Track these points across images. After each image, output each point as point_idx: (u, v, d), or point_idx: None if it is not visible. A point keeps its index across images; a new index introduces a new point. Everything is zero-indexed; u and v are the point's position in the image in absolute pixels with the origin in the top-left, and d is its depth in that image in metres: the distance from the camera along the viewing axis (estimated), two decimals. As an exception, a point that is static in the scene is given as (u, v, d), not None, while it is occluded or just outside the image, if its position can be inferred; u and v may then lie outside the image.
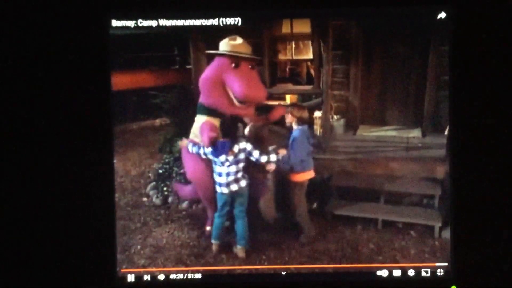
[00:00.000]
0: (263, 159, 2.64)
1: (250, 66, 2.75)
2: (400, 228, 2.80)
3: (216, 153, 2.67)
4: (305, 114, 2.80)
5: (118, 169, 3.17)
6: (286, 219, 2.83)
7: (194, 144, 2.78)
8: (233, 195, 2.71)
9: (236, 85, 2.67)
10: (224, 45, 2.73)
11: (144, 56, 3.32)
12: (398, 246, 2.67)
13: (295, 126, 2.77)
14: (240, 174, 2.68)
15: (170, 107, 3.27)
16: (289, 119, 2.78)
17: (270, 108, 3.12)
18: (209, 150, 2.69)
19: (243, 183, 2.69)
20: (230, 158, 2.65)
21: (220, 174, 2.69)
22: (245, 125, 2.79)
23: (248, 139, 2.70)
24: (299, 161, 2.76)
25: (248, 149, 2.64)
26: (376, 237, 2.73)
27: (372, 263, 2.54)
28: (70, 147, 2.29)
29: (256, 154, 2.64)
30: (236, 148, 2.65)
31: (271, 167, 2.69)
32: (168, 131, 3.26)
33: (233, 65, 2.70)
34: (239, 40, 2.71)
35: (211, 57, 2.81)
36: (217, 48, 2.77)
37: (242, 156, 2.65)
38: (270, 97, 3.44)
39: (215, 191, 2.77)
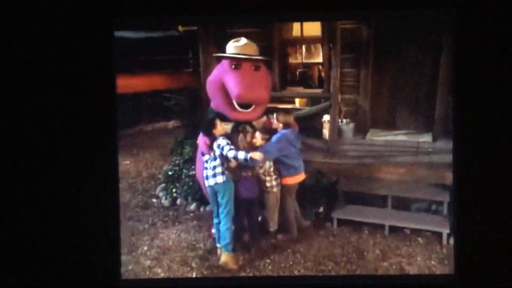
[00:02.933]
0: (230, 153, 2.59)
1: (253, 67, 2.69)
2: (407, 234, 2.76)
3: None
4: (290, 119, 2.81)
5: (130, 170, 3.26)
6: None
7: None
8: (214, 190, 2.71)
9: (231, 86, 2.62)
10: (228, 47, 2.72)
11: (158, 59, 3.38)
12: (405, 252, 2.63)
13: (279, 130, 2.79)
14: (218, 170, 2.67)
15: (182, 110, 3.32)
16: (275, 124, 2.80)
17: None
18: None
19: (220, 179, 2.67)
20: (211, 154, 2.68)
21: (205, 168, 2.72)
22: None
23: (227, 136, 2.68)
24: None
25: (222, 145, 2.63)
26: (382, 243, 2.70)
27: (377, 269, 2.52)
28: (76, 148, 2.34)
29: (226, 148, 2.61)
30: (215, 145, 2.67)
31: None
32: (179, 134, 3.32)
33: (233, 66, 2.66)
34: (242, 41, 2.70)
35: (220, 60, 2.78)
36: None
37: (218, 152, 2.66)
38: (281, 100, 3.46)
39: None
